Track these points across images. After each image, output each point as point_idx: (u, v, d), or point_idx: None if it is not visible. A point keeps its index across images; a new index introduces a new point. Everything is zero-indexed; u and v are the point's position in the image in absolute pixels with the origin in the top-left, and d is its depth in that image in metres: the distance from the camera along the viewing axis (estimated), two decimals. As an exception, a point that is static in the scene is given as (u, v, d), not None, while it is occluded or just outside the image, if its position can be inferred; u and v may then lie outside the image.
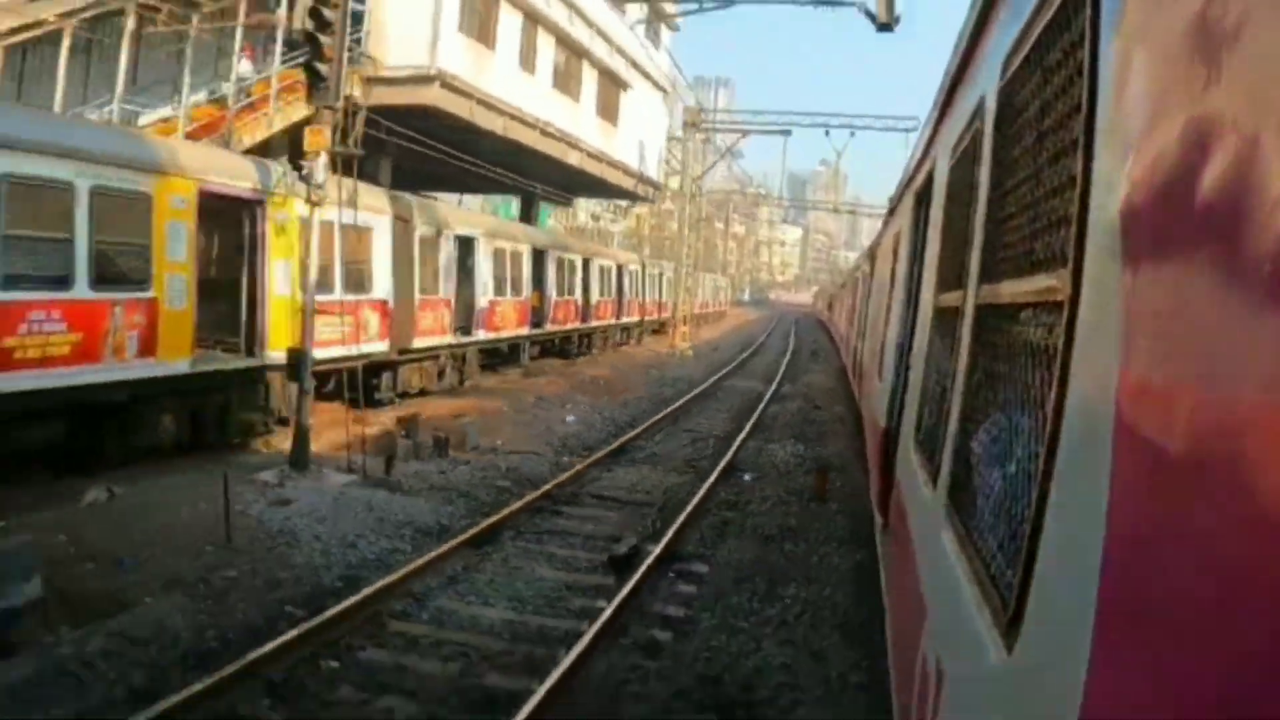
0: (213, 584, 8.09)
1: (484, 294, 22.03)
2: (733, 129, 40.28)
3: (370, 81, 20.03)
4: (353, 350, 15.40)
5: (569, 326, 29.99)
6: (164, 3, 18.41)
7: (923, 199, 5.90)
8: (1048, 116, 2.06)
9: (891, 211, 11.00)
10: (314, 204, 12.38)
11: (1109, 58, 1.51)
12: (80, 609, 7.21)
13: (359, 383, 14.01)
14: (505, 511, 10.97)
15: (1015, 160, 2.46)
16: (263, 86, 19.29)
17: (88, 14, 18.33)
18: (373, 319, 16.91)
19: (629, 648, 7.60)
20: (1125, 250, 1.32)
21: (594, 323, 32.45)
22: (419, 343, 18.94)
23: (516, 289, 24.44)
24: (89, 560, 8.13)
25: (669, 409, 20.56)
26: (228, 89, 19.21)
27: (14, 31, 17.63)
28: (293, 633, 6.99)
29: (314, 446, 12.70)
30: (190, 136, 17.50)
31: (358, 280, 16.49)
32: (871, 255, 16.34)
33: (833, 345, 40.97)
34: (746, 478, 14.47)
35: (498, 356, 25.14)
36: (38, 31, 17.60)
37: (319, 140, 12.22)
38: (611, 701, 6.67)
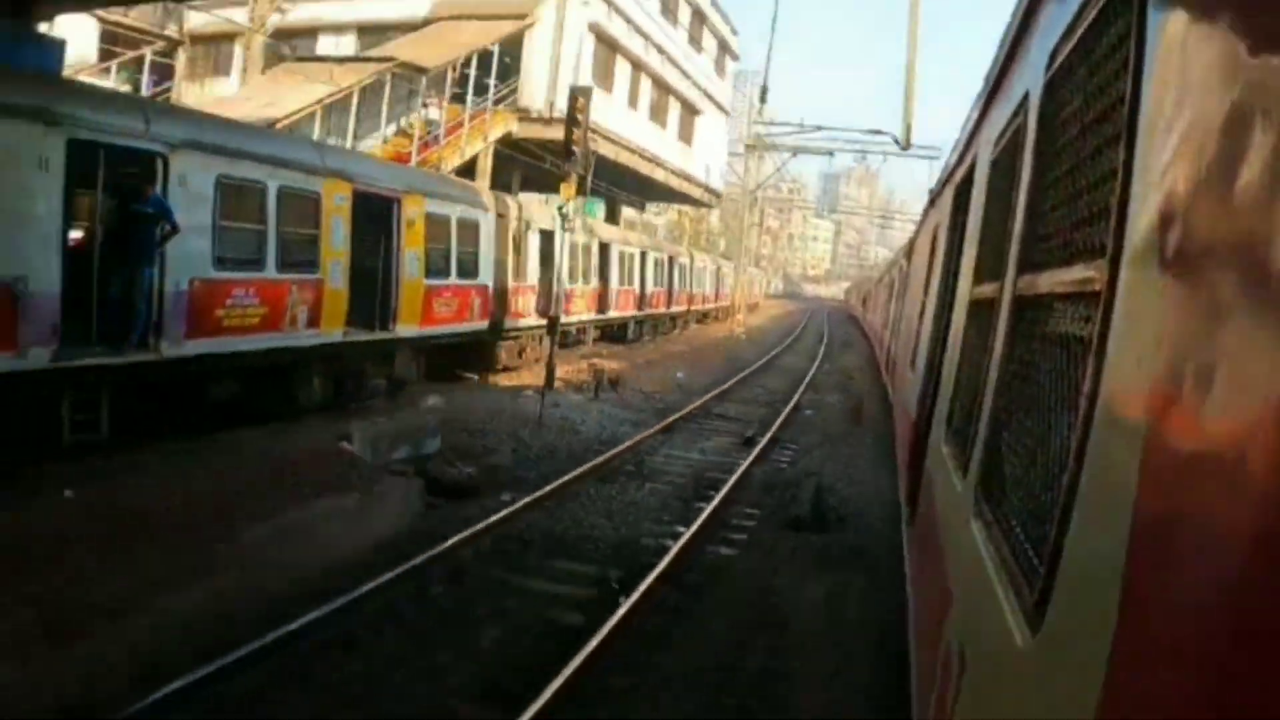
0: (541, 441, 14.54)
1: (561, 282, 24.25)
2: (785, 147, 44.11)
3: (522, 120, 27.79)
4: (464, 328, 17.81)
5: (628, 313, 32.17)
6: (402, 68, 23.87)
7: (962, 193, 5.94)
8: (1092, 109, 2.05)
9: (930, 205, 11.00)
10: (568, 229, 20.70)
11: (1154, 52, 1.51)
12: (465, 455, 12.88)
13: (554, 338, 20.50)
14: (671, 418, 17.68)
15: (1058, 153, 2.46)
16: (453, 121, 25.73)
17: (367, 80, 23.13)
18: (477, 301, 19.17)
19: (768, 468, 14.56)
20: (1164, 242, 1.31)
21: (648, 310, 34.61)
22: (510, 324, 21.21)
23: (587, 278, 26.73)
24: (461, 431, 14.12)
25: (743, 373, 26.75)
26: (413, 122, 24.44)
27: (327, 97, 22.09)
28: (599, 459, 13.42)
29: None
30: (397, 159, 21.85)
31: (468, 267, 18.80)
32: (908, 250, 16.61)
33: (864, 339, 43.65)
34: (808, 412, 21.28)
35: (568, 339, 27.48)
36: (339, 95, 22.11)
37: (570, 192, 20.35)
38: (764, 486, 13.25)
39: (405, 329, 16.45)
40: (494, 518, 10.02)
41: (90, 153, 10.31)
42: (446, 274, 17.69)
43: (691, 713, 6.35)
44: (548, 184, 30.21)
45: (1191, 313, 1.19)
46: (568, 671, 6.34)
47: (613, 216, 39.23)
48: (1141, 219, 1.44)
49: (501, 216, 20.21)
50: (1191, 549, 1.06)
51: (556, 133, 24.06)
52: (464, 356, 19.66)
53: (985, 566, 2.32)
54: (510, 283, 20.80)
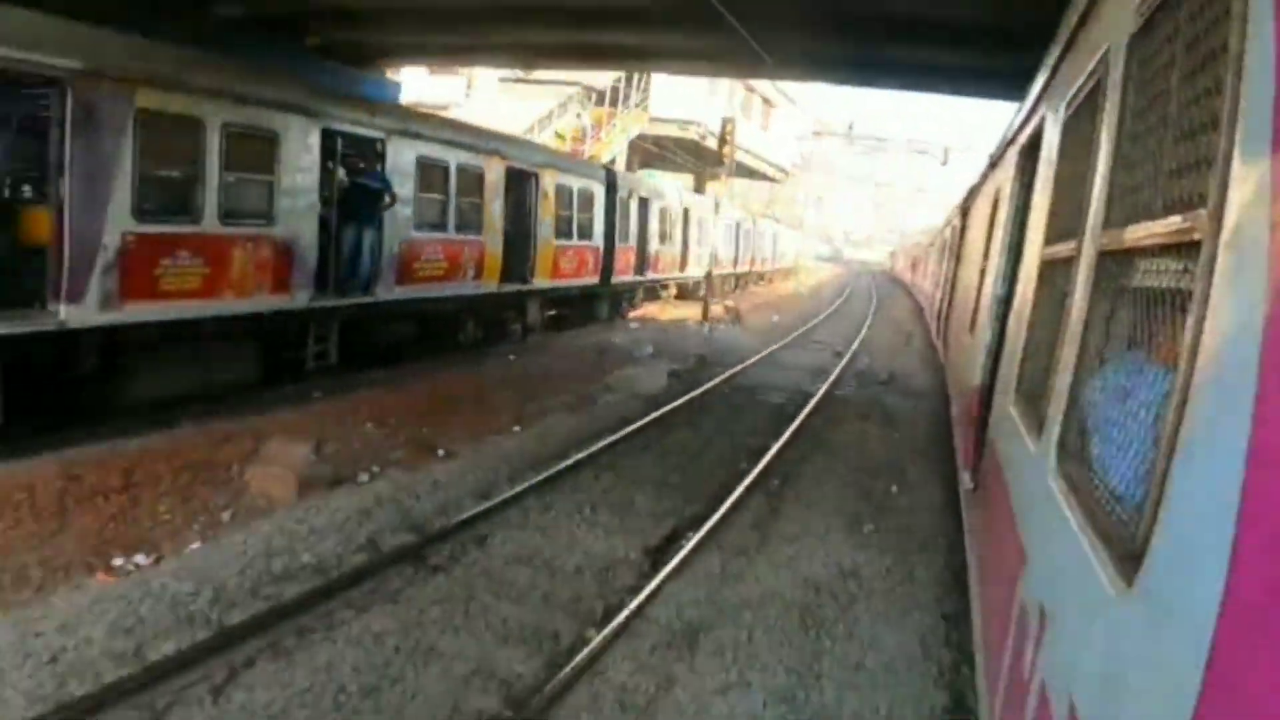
0: (713, 348, 20.52)
1: (652, 243, 26.72)
2: (840, 135, 48.47)
3: (652, 121, 37.54)
4: (583, 282, 20.45)
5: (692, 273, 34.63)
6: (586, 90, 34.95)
7: (1028, 154, 5.81)
8: (1189, 58, 1.97)
9: (991, 168, 10.66)
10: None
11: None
12: (673, 356, 18.78)
13: (709, 285, 28.33)
14: (785, 340, 24.03)
15: (1147, 106, 2.38)
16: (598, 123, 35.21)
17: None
18: (591, 260, 21.69)
19: (855, 365, 20.59)
20: (1275, 188, 1.26)
21: (719, 271, 36.93)
22: (616, 279, 23.73)
23: (671, 241, 29.17)
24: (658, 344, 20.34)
25: (818, 319, 32.72)
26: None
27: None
28: (754, 358, 19.27)
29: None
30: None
31: (585, 231, 21.30)
32: (962, 214, 16.06)
33: (908, 297, 46.27)
34: (873, 339, 27.65)
35: (655, 294, 30.27)
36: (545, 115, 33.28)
37: (721, 188, 31.68)
38: (855, 372, 19.52)
39: (539, 283, 19.02)
40: (717, 379, 16.23)
41: (333, 139, 12.86)
42: (570, 236, 20.22)
43: (850, 438, 12.82)
44: (659, 163, 40.08)
45: None
46: (795, 424, 12.79)
47: (700, 189, 42.84)
48: (1246, 167, 1.38)
49: (611, 189, 22.68)
50: None
51: (672, 130, 37.51)
52: (577, 307, 22.28)
53: (1069, 524, 2.27)
54: (616, 244, 23.31)
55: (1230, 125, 1.49)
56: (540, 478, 9.21)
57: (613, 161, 31.52)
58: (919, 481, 10.52)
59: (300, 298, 12.29)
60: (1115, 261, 2.50)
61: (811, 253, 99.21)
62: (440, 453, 10.18)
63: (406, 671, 5.34)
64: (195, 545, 7.10)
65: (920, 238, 50.36)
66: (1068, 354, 2.83)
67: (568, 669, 5.39)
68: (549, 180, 18.93)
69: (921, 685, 5.70)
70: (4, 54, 8.33)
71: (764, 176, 55.43)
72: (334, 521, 7.71)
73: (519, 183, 17.86)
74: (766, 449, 11.12)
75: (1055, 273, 3.66)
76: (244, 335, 11.82)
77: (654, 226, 26.49)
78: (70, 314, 9.19)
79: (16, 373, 9.00)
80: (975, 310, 8.69)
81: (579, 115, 32.74)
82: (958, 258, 15.56)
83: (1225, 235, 1.44)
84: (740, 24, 13.22)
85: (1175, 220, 1.84)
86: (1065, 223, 3.49)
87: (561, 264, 19.93)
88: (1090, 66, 3.29)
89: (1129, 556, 1.69)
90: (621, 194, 23.42)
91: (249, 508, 8.06)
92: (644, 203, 25.19)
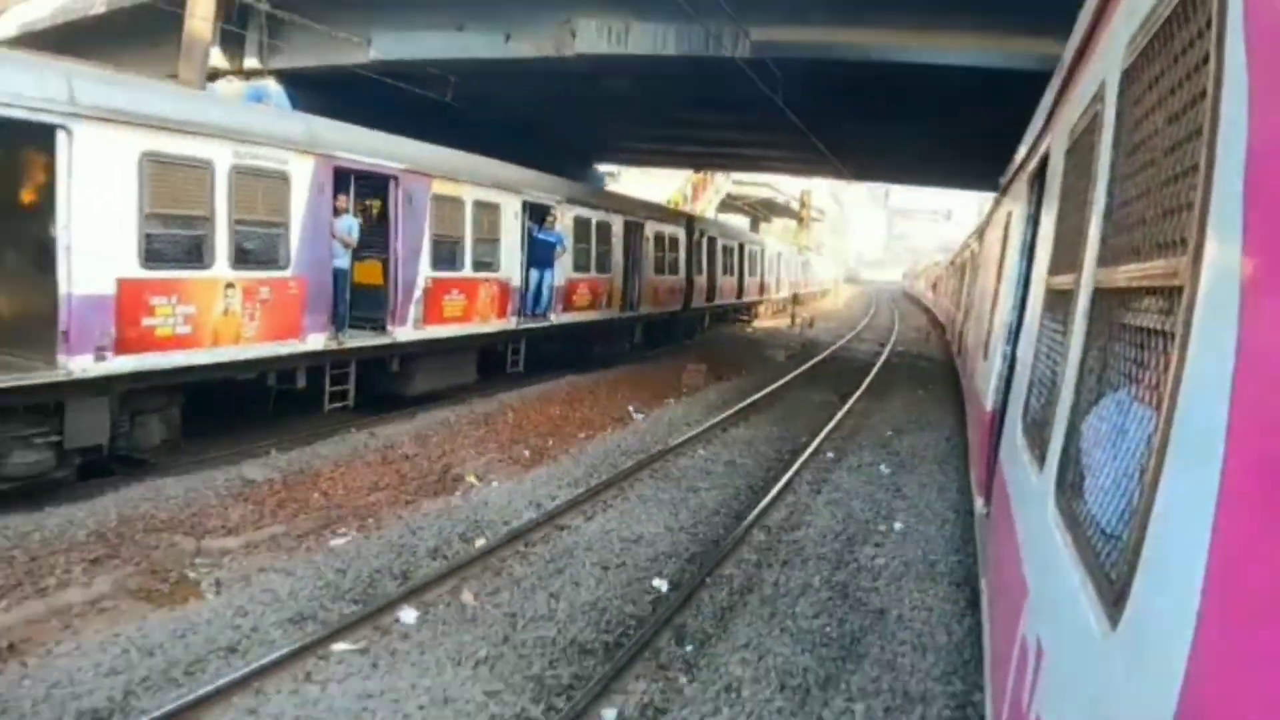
0: (805, 340, 32.03)
1: (720, 275, 31.44)
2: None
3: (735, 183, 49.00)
4: (672, 309, 25.19)
5: (755, 298, 39.77)
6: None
7: (1036, 181, 5.75)
8: (1172, 100, 1.94)
9: (1003, 192, 10.58)
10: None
11: (1237, 40, 1.43)
12: (781, 346, 29.40)
13: (795, 307, 37.78)
14: (846, 338, 34.76)
15: (1137, 145, 2.34)
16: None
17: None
18: (678, 290, 26.35)
19: (894, 356, 29.07)
20: (1247, 237, 1.27)
21: (765, 296, 41.96)
22: (695, 304, 28.39)
23: (733, 271, 33.92)
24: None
25: (861, 326, 43.02)
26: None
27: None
28: (835, 346, 30.41)
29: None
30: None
31: (674, 267, 25.96)
32: (979, 236, 16.51)
33: (922, 313, 52.82)
34: (903, 336, 37.39)
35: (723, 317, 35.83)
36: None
37: (803, 237, 43.34)
38: (898, 353, 29.96)
39: (643, 310, 23.63)
40: (822, 356, 26.32)
41: (527, 207, 17.45)
42: (663, 271, 24.86)
43: (902, 373, 23.99)
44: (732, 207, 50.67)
45: (1276, 306, 1.15)
46: (876, 368, 23.91)
47: (754, 226, 50.48)
48: (1224, 214, 1.38)
49: (689, 232, 27.39)
50: (1276, 549, 1.02)
51: (748, 189, 49.59)
52: (661, 329, 26.87)
53: (1063, 557, 2.24)
54: (695, 278, 27.99)
55: (1208, 172, 1.46)
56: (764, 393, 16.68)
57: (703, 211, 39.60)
58: (941, 383, 21.29)
59: (513, 321, 16.88)
60: (1109, 299, 2.45)
61: (833, 276, 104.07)
62: (670, 401, 16.57)
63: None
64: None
65: (935, 258, 56.18)
66: (1067, 387, 2.78)
67: (815, 440, 13.03)
68: (650, 229, 23.58)
69: (948, 433, 14.54)
70: (372, 163, 12.98)
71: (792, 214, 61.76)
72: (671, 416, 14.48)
73: (631, 231, 22.47)
74: (868, 374, 22.58)
75: (1058, 304, 3.57)
76: (472, 348, 16.38)
77: (720, 261, 31.23)
78: (399, 333, 13.77)
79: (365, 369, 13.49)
80: (988, 335, 8.48)
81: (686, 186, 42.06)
82: (972, 281, 15.79)
83: (1203, 283, 1.44)
84: (833, 155, 20.85)
85: (1160, 264, 1.83)
86: (1066, 254, 3.42)
87: (659, 294, 24.56)
88: (1089, 97, 3.20)
89: (1114, 597, 1.64)
90: (695, 236, 28.13)
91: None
92: (712, 241, 29.96)
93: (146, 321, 9.46)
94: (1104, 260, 2.56)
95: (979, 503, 6.24)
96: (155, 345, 9.55)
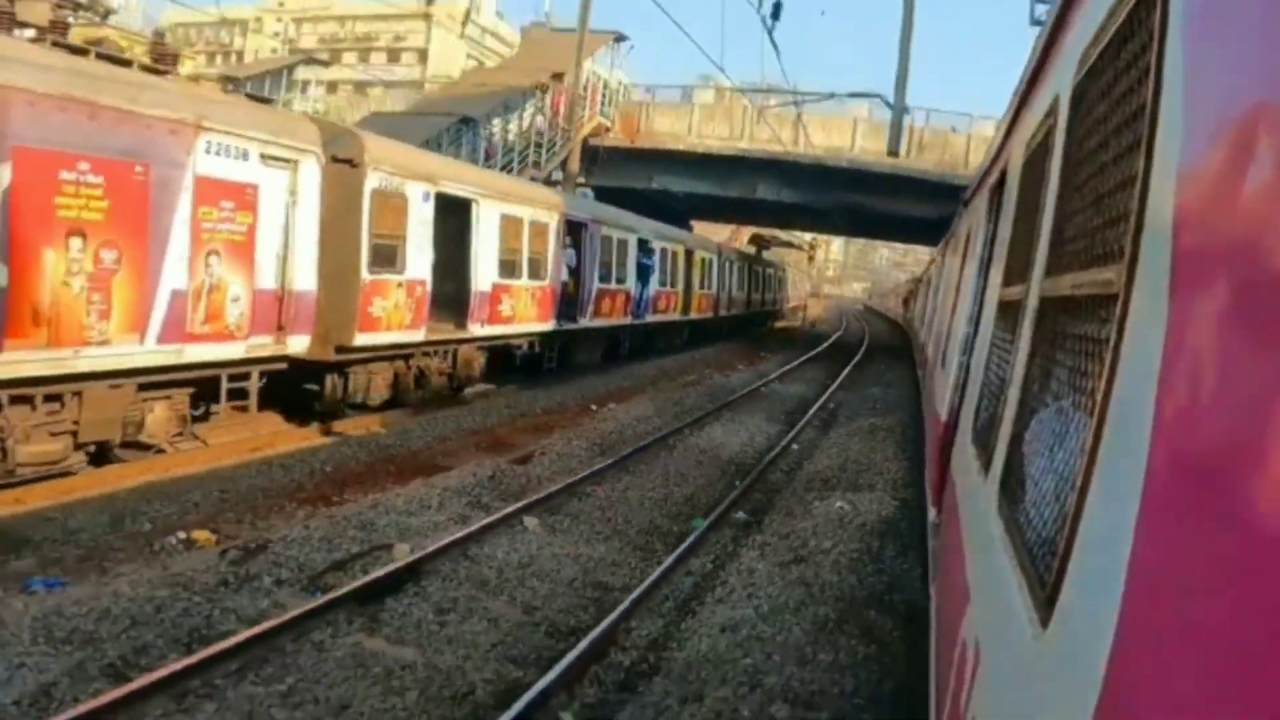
0: (814, 338, 43.58)
1: (769, 291, 39.29)
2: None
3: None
4: (708, 316, 32.58)
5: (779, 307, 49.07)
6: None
7: (995, 195, 5.64)
8: (1116, 114, 1.93)
9: (964, 206, 10.55)
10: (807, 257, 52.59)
11: (1175, 58, 1.44)
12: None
13: (805, 315, 49.75)
14: (839, 333, 49.23)
15: (1084, 157, 2.32)
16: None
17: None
18: (712, 301, 33.69)
19: (871, 343, 40.67)
20: (1176, 247, 1.28)
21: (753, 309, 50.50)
22: (722, 312, 35.70)
23: (774, 288, 42.19)
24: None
25: (845, 327, 55.57)
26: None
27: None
28: (834, 337, 43.22)
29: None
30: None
31: (708, 283, 33.35)
32: (942, 250, 16.55)
33: (888, 324, 65.31)
34: (875, 335, 48.63)
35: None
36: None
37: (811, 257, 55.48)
38: (873, 342, 41.12)
39: (692, 315, 30.86)
40: (827, 343, 36.81)
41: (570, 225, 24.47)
42: (706, 286, 32.16)
43: (881, 349, 36.58)
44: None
45: (1201, 319, 1.16)
46: (863, 347, 36.65)
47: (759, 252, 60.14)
48: (1158, 224, 1.38)
49: (751, 261, 35.45)
50: (1195, 550, 1.04)
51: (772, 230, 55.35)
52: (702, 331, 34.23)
53: (1003, 562, 2.19)
54: (752, 293, 35.98)
55: (1145, 182, 1.47)
56: (790, 367, 22.04)
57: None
58: (904, 357, 28.32)
59: (629, 318, 24.03)
60: (1053, 308, 2.43)
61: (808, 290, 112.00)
62: (763, 356, 24.34)
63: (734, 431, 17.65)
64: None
65: (895, 275, 67.42)
66: (1012, 395, 2.75)
67: (846, 369, 19.37)
68: (698, 255, 30.89)
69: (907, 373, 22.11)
70: (580, 217, 20.11)
71: (798, 248, 71.62)
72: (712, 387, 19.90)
73: (688, 256, 29.73)
74: (858, 351, 33.04)
75: (1008, 314, 3.53)
76: (604, 337, 23.43)
77: (771, 281, 39.73)
78: (582, 323, 20.86)
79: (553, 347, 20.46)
80: (945, 346, 8.42)
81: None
82: (934, 295, 15.97)
83: (1135, 291, 1.45)
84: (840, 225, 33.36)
85: (1098, 273, 1.84)
86: (1018, 266, 3.39)
87: (701, 303, 31.83)
88: (1044, 112, 3.16)
89: (1045, 599, 1.62)
90: (755, 265, 36.25)
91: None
92: (764, 266, 37.99)
93: (498, 308, 16.48)
94: (1050, 271, 2.52)
95: (932, 513, 6.02)
96: (501, 321, 16.59)
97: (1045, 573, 1.72)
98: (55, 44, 8.83)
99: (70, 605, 5.62)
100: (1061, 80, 2.72)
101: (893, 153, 19.49)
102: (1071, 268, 2.22)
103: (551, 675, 5.37)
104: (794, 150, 29.81)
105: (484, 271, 15.85)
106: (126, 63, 9.53)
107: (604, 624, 6.25)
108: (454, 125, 24.66)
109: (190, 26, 58.67)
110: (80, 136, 8.41)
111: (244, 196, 10.36)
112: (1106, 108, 2.06)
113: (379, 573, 6.70)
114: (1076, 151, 2.42)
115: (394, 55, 41.07)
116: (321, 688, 5.06)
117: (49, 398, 8.54)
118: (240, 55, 59.65)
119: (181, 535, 7.72)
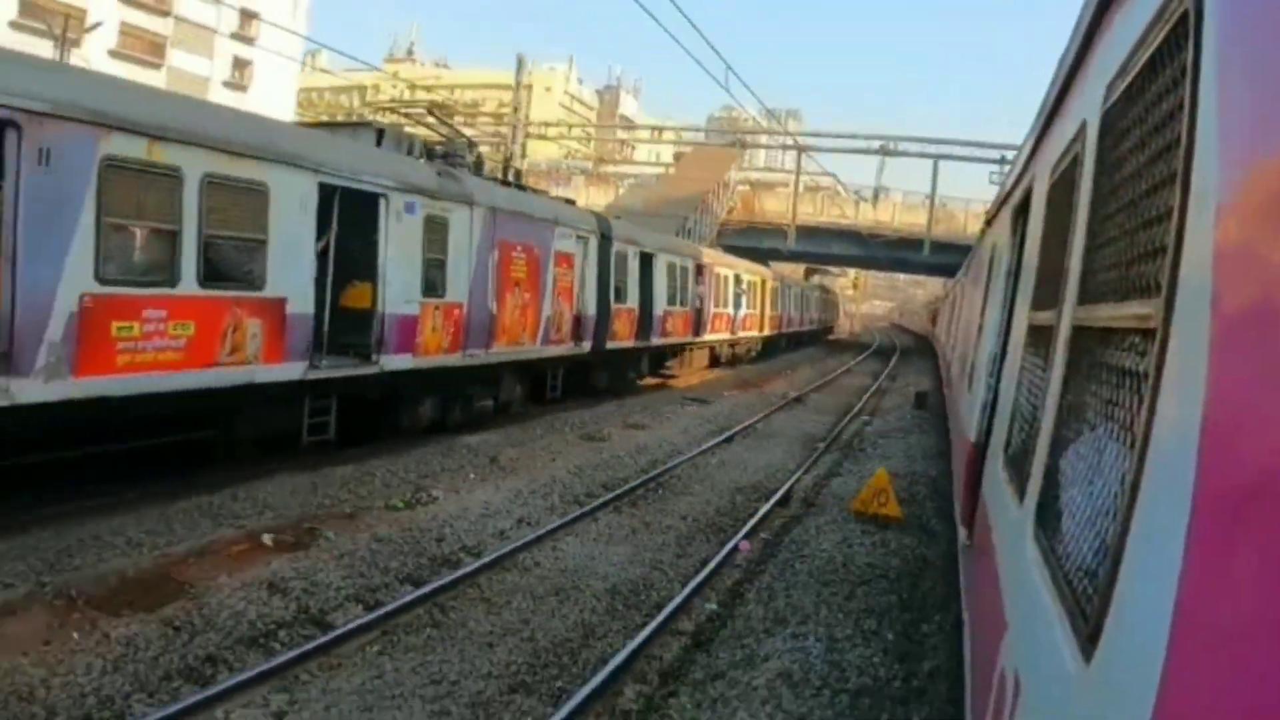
0: (864, 343, 63.57)
1: (796, 311, 45.92)
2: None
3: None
4: (760, 335, 39.50)
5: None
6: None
7: (1020, 216, 5.51)
8: (1148, 145, 1.89)
9: (987, 225, 10.26)
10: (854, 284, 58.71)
11: (1210, 90, 1.40)
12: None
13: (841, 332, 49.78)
14: (878, 343, 63.65)
15: (1115, 186, 2.26)
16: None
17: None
18: (759, 321, 40.54)
19: (904, 348, 56.49)
20: (1217, 283, 1.25)
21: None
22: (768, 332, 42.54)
23: (837, 310, 49.44)
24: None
25: (879, 339, 69.62)
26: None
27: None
28: (875, 343, 60.10)
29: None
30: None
31: (750, 304, 40.23)
32: (967, 265, 16.56)
33: (906, 333, 77.88)
34: (906, 343, 64.83)
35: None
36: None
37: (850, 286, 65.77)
38: (904, 347, 57.92)
39: (743, 335, 37.60)
40: (872, 348, 51.24)
41: (698, 269, 31.32)
42: (776, 308, 38.97)
43: (911, 352, 53.74)
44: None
45: (1244, 355, 1.13)
46: (897, 352, 52.12)
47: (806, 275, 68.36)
48: (1196, 260, 1.35)
49: (824, 290, 43.19)
50: (1243, 584, 1.00)
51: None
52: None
53: (1041, 592, 2.14)
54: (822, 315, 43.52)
55: (1181, 219, 1.43)
56: (854, 364, 29.77)
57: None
58: (925, 352, 42.48)
59: (728, 333, 30.78)
60: (1087, 337, 2.36)
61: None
62: (832, 364, 29.97)
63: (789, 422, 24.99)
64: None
65: (914, 292, 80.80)
66: (1047, 422, 2.67)
67: (891, 362, 26.63)
68: (769, 284, 37.72)
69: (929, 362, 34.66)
70: (705, 263, 26.95)
71: (837, 275, 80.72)
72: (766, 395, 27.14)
73: (762, 286, 36.50)
74: (894, 352, 48.31)
75: (1039, 339, 3.41)
76: (708, 346, 30.14)
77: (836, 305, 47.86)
78: (703, 336, 27.65)
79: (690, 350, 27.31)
80: (972, 367, 8.08)
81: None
82: (960, 314, 15.70)
83: (1175, 328, 1.41)
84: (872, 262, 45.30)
85: (1135, 306, 1.78)
86: (1048, 291, 3.25)
87: (776, 323, 38.67)
88: (1070, 137, 3.08)
89: (1089, 632, 1.56)
90: (824, 293, 43.65)
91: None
92: (832, 294, 45.30)
93: (666, 325, 23.29)
94: (1083, 299, 2.45)
95: (962, 533, 5.74)
96: (665, 335, 23.44)
97: (1086, 604, 1.69)
98: (504, 182, 15.80)
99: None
100: (1088, 107, 2.66)
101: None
102: (1106, 298, 2.14)
103: (793, 477, 12.93)
104: (857, 222, 46.25)
105: (659, 301, 22.69)
106: (523, 188, 16.53)
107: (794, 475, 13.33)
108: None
109: (312, 91, 66.74)
110: (517, 232, 15.29)
111: (569, 260, 17.23)
112: (1137, 138, 2.01)
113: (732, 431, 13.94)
114: (1106, 181, 2.36)
115: (498, 118, 48.05)
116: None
117: (489, 375, 15.35)
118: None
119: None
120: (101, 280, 8.28)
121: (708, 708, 5.55)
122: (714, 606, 7.43)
